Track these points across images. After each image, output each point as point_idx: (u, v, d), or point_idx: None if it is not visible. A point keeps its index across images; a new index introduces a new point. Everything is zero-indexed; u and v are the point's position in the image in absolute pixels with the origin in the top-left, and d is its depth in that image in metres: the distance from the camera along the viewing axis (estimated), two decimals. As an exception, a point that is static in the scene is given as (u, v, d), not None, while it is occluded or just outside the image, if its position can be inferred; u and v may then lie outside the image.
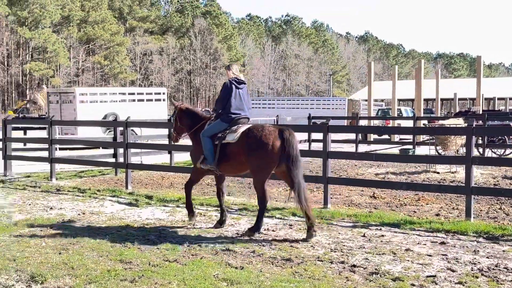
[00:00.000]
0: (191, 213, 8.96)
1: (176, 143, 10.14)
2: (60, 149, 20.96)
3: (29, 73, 73.87)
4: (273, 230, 8.45)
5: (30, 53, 75.58)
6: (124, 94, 30.46)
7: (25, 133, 27.64)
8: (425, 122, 27.11)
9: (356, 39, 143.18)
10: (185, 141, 10.60)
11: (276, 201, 11.36)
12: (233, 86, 8.50)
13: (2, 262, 6.64)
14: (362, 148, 24.41)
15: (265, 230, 8.44)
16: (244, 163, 8.17)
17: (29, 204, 10.85)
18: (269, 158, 7.86)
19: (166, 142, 17.89)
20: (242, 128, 8.25)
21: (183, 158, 19.55)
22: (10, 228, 8.61)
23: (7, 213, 9.95)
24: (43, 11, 71.57)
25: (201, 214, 9.76)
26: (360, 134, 25.18)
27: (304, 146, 22.00)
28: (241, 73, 8.90)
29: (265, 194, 8.03)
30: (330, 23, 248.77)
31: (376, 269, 6.43)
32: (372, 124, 28.82)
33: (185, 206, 9.15)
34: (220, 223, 8.71)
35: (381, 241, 7.82)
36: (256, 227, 8.08)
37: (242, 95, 8.55)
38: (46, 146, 15.30)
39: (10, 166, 15.44)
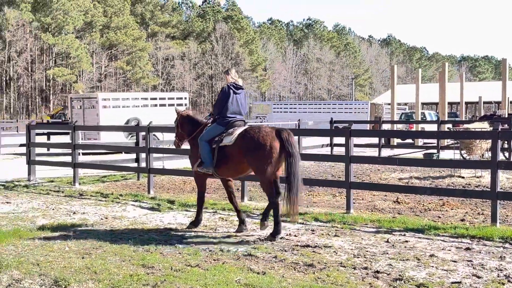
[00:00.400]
0: (196, 221, 9.00)
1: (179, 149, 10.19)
2: (83, 154, 21.18)
3: (52, 79, 74.85)
4: (295, 235, 8.43)
5: (54, 58, 76.63)
6: (146, 99, 30.70)
7: (48, 138, 28.03)
8: (450, 126, 26.82)
9: (379, 42, 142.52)
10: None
11: (298, 205, 11.31)
12: (231, 91, 8.71)
13: (26, 266, 6.73)
14: (385, 152, 24.24)
15: (287, 235, 8.43)
16: (242, 164, 8.36)
17: (53, 209, 10.97)
18: (268, 158, 8.03)
19: (188, 147, 17.99)
20: (239, 130, 8.43)
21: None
22: (34, 232, 8.72)
23: (31, 217, 10.08)
24: (66, 17, 72.56)
25: (222, 219, 9.79)
26: (383, 139, 25.02)
27: (326, 151, 21.93)
28: (239, 78, 9.06)
29: (273, 193, 8.18)
30: (352, 26, 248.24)
31: (400, 275, 6.38)
32: (395, 128, 28.62)
33: (196, 213, 9.18)
34: (241, 223, 8.74)
35: (405, 246, 7.75)
36: (276, 231, 8.16)
37: (239, 100, 8.76)
38: (69, 151, 15.46)
39: (34, 170, 15.64)
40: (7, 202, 11.79)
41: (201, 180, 9.06)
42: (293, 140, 8.19)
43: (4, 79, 74.63)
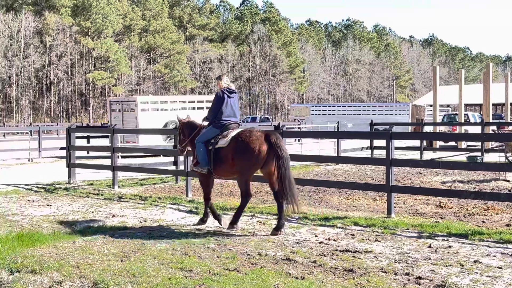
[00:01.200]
0: (218, 220, 9.47)
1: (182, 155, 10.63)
2: (122, 157, 21.50)
3: (92, 82, 76.27)
4: (334, 240, 8.38)
5: (93, 62, 78.05)
6: (184, 102, 31.02)
7: (88, 141, 28.57)
8: (494, 128, 26.27)
9: (420, 42, 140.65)
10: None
11: (337, 210, 11.27)
12: (225, 96, 9.38)
13: (66, 268, 6.87)
14: (427, 155, 23.91)
15: (326, 239, 8.40)
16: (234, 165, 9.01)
17: (92, 212, 11.17)
18: (254, 160, 8.72)
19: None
20: (233, 133, 9.08)
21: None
22: (73, 235, 8.89)
23: (71, 220, 10.28)
24: (106, 20, 73.90)
25: (260, 222, 9.80)
26: (425, 141, 24.67)
27: (366, 154, 21.74)
28: (232, 83, 9.70)
29: (248, 192, 8.96)
30: (393, 26, 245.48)
31: (442, 281, 6.27)
32: (437, 131, 28.20)
33: (213, 216, 9.60)
34: (202, 220, 9.72)
35: (448, 252, 7.62)
36: (234, 220, 9.11)
37: (233, 103, 9.45)
38: (108, 154, 15.71)
39: (74, 173, 15.95)
40: (48, 205, 12.06)
41: (206, 180, 9.56)
42: (282, 143, 8.78)
43: (45, 83, 76.40)
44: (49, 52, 73.05)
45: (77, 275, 6.62)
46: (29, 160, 23.89)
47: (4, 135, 41.72)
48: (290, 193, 8.63)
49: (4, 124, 61.01)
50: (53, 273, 6.72)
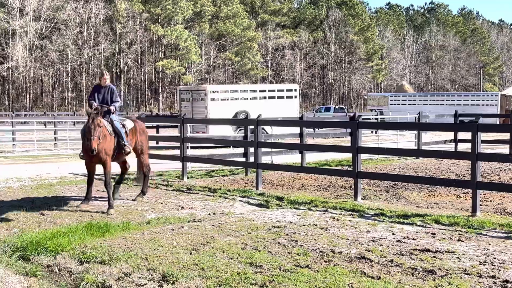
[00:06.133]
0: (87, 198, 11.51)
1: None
2: (191, 147, 21.89)
3: (161, 71, 77.88)
4: (413, 239, 8.24)
5: (163, 50, 79.62)
6: (255, 91, 31.21)
7: (157, 131, 29.26)
8: None
9: (511, 27, 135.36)
10: (320, 140, 10.60)
11: (417, 206, 11.07)
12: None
13: (135, 260, 7.09)
14: (517, 149, 23.02)
15: (404, 238, 8.27)
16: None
17: (161, 203, 11.46)
18: (147, 140, 12.46)
19: (297, 141, 18.07)
20: (129, 119, 12.19)
21: (315, 158, 19.62)
22: (142, 226, 9.16)
23: (140, 211, 10.59)
24: (176, 7, 75.09)
25: (333, 218, 9.75)
26: (515, 134, 23.76)
27: (450, 147, 21.19)
28: None
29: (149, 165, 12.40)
30: (480, 9, 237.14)
31: (533, 286, 6.06)
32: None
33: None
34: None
35: (539, 255, 7.35)
36: (143, 192, 12.05)
37: None
38: (178, 144, 16.07)
39: (143, 164, 16.33)
40: (117, 195, 12.44)
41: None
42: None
43: (115, 71, 78.66)
44: (119, 40, 75.07)
45: (145, 267, 6.83)
46: (98, 150, 24.66)
47: (74, 124, 43.30)
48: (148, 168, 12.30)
49: (74, 113, 63.40)
50: (122, 264, 6.96)
